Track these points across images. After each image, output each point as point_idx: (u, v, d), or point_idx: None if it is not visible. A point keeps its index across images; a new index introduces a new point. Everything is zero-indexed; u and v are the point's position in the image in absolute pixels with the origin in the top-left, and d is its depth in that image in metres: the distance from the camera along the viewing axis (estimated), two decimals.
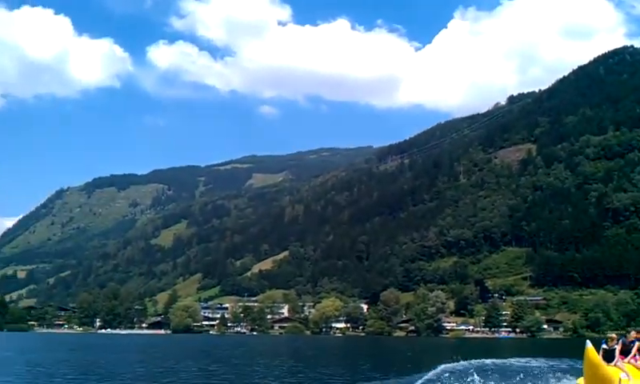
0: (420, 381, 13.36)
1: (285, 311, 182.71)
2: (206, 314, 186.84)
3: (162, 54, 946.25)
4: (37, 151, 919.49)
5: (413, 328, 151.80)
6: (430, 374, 14.57)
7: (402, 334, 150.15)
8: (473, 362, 17.73)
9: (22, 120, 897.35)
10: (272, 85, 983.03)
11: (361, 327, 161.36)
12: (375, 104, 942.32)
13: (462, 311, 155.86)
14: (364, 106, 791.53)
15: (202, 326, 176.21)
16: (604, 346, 16.89)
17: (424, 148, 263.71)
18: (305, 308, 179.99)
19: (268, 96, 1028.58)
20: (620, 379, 15.58)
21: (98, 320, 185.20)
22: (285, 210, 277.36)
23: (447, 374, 16.39)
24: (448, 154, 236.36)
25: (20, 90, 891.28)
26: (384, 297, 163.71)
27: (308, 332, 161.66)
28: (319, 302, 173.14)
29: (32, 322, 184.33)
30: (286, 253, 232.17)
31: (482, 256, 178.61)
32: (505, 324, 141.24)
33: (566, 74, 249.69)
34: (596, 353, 14.88)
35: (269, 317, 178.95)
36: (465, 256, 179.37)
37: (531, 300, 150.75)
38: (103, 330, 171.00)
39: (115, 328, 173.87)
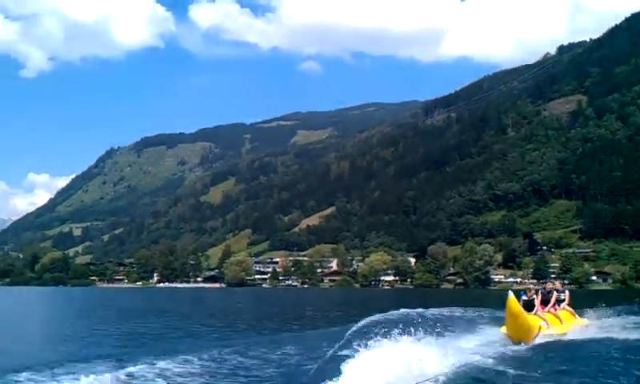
0: (350, 331, 13.41)
1: (334, 265, 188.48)
2: (258, 268, 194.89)
3: (203, 13, 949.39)
4: (86, 112, 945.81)
5: (461, 281, 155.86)
6: (361, 323, 14.58)
7: (449, 286, 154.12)
8: (407, 311, 17.69)
9: (70, 82, 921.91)
10: (313, 41, 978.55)
11: (409, 280, 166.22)
12: (419, 57, 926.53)
13: (509, 264, 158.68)
14: (408, 60, 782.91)
15: (254, 279, 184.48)
16: (524, 296, 18.21)
17: (471, 101, 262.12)
18: (353, 262, 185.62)
19: (310, 52, 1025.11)
20: (540, 326, 16.86)
21: (155, 274, 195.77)
22: (330, 166, 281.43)
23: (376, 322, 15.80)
24: (495, 107, 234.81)
25: (66, 53, 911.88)
26: (432, 250, 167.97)
27: (357, 285, 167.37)
28: (367, 256, 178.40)
29: (93, 278, 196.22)
30: (332, 208, 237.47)
31: (531, 209, 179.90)
32: (553, 276, 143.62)
33: (617, 22, 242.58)
34: (517, 302, 15.76)
35: (318, 270, 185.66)
36: (513, 210, 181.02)
37: (580, 252, 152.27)
38: (161, 284, 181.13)
39: (172, 282, 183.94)
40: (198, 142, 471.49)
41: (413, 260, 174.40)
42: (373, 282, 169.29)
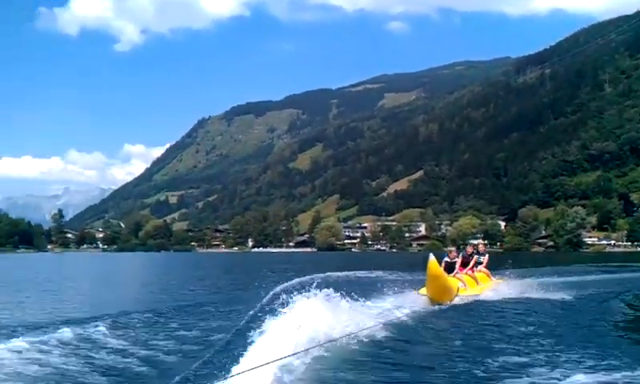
0: (270, 293, 14.09)
1: (422, 229, 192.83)
2: (347, 233, 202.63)
3: None
4: (178, 83, 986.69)
5: (551, 244, 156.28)
6: (282, 286, 15.05)
7: (540, 249, 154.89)
8: (332, 274, 19.41)
9: (162, 54, 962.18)
10: (400, 0, 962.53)
11: (498, 243, 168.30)
12: (510, 12, 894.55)
13: (604, 226, 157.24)
14: (498, 15, 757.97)
15: (344, 244, 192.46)
16: (446, 258, 19.34)
17: (565, 57, 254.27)
18: (442, 226, 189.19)
19: (396, 12, 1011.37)
20: (458, 288, 17.79)
21: (250, 240, 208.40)
22: (418, 129, 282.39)
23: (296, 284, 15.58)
24: (592, 61, 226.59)
25: (157, 25, 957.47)
26: (522, 213, 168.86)
27: (445, 249, 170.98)
28: (456, 220, 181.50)
29: (193, 243, 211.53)
30: (421, 172, 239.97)
31: (628, 169, 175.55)
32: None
33: None
34: (438, 264, 16.57)
35: (407, 235, 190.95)
36: (609, 170, 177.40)
37: None
38: (256, 249, 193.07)
39: (266, 247, 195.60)
40: (285, 109, 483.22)
41: (503, 223, 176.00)
42: (461, 246, 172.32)
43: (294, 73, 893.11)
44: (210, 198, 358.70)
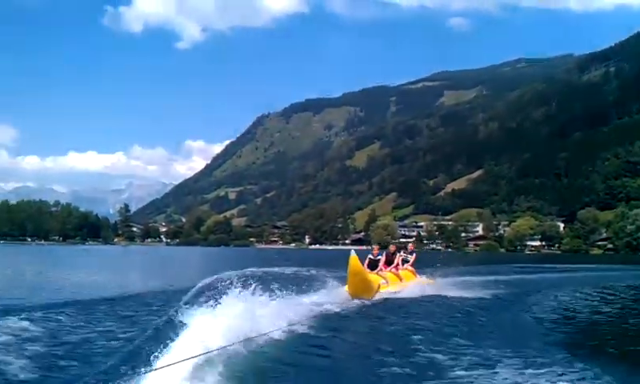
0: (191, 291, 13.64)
1: (479, 229, 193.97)
2: (403, 232, 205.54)
3: None
4: (238, 81, 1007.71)
5: (611, 246, 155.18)
6: (200, 284, 14.58)
7: (599, 251, 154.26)
8: (253, 270, 17.83)
9: (222, 51, 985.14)
10: None
11: (556, 245, 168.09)
12: (574, 7, 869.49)
13: None
14: (562, 11, 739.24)
15: (399, 242, 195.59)
16: (370, 256, 19.87)
17: (631, 54, 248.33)
18: (499, 226, 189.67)
19: (457, 8, 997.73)
20: (379, 285, 18.15)
21: (307, 237, 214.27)
22: (478, 127, 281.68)
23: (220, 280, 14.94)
24: None
25: (217, 23, 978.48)
26: (581, 215, 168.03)
27: (502, 250, 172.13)
28: (514, 221, 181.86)
29: (252, 239, 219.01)
30: (480, 171, 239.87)
31: None
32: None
33: None
34: (359, 261, 16.75)
35: (463, 235, 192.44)
36: None
37: None
38: (312, 246, 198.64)
39: (322, 244, 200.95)
40: (343, 107, 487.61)
41: (562, 225, 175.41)
42: (518, 247, 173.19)
43: (352, 70, 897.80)
44: (268, 195, 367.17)
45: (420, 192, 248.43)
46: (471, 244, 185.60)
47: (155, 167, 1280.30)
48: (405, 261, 21.91)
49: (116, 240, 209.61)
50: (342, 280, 18.34)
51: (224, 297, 10.28)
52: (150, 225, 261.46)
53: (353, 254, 16.39)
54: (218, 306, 9.74)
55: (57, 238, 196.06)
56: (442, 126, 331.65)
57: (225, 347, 8.01)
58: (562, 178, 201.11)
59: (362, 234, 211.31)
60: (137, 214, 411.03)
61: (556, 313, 16.57)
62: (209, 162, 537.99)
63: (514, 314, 15.86)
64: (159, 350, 7.81)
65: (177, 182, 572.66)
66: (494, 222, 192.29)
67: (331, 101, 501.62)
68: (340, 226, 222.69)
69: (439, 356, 9.63)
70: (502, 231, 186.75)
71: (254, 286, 11.36)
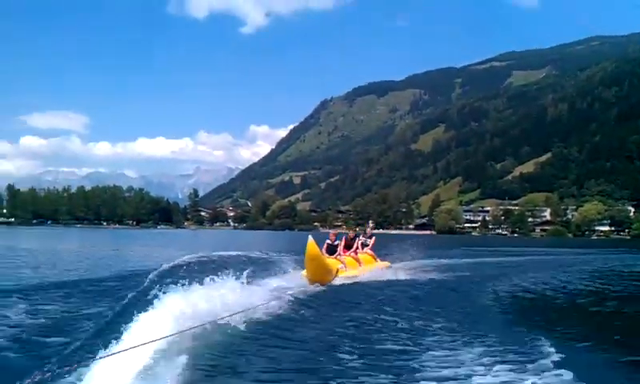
0: (150, 275, 13.83)
1: (547, 214, 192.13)
2: (468, 217, 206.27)
3: None
4: (301, 65, 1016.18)
5: None
6: (163, 267, 15.27)
7: None
8: (218, 253, 19.59)
9: (286, 36, 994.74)
10: None
11: (626, 230, 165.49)
12: None
13: None
14: None
15: (463, 227, 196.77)
16: (328, 240, 19.87)
17: None
18: (567, 211, 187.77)
19: None
20: (337, 269, 18.11)
21: (370, 221, 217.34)
22: (547, 109, 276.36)
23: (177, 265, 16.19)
24: None
25: (280, 8, 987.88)
26: None
27: (570, 235, 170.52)
28: (581, 206, 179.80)
29: (316, 223, 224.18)
30: (548, 155, 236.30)
31: None
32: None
33: None
34: (316, 246, 16.65)
35: (530, 220, 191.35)
36: None
37: None
38: (376, 231, 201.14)
39: (386, 229, 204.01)
40: (407, 89, 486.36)
41: (632, 209, 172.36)
42: (586, 232, 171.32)
43: (416, 51, 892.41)
44: (332, 179, 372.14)
45: (486, 176, 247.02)
46: (538, 229, 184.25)
47: (221, 152, 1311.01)
48: (364, 245, 21.93)
49: (186, 224, 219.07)
50: (298, 264, 18.87)
51: (181, 283, 10.17)
52: (218, 209, 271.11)
53: (310, 239, 16.40)
54: (176, 292, 9.56)
55: (130, 222, 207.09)
56: (509, 108, 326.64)
57: (182, 332, 7.90)
58: (634, 161, 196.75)
59: (427, 218, 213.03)
60: (204, 198, 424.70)
61: (513, 293, 16.97)
62: (273, 146, 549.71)
63: (471, 295, 16.10)
64: (118, 333, 7.82)
65: (242, 167, 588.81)
66: (562, 207, 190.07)
67: (395, 84, 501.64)
68: (404, 210, 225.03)
69: (398, 340, 9.73)
70: (570, 216, 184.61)
71: (213, 271, 11.62)
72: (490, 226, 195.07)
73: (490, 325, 11.22)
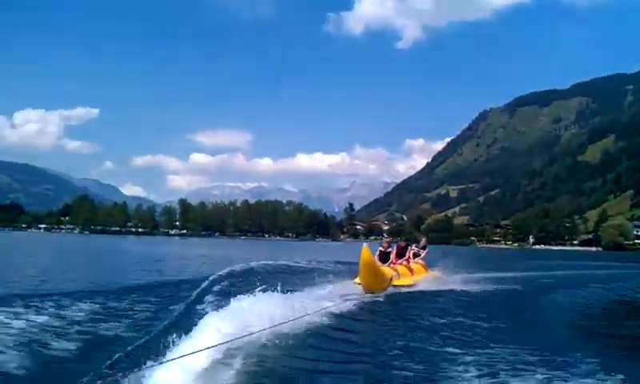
0: (199, 289, 14.25)
1: None
2: (639, 233, 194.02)
3: None
4: (457, 77, 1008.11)
5: None
6: (211, 278, 15.86)
7: None
8: (258, 263, 20.34)
9: (442, 48, 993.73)
10: None
11: None
12: None
13: None
14: None
15: (634, 244, 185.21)
16: (380, 248, 19.84)
17: None
18: None
19: None
20: (392, 277, 18.06)
21: (531, 237, 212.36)
22: None
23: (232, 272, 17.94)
24: None
25: (436, 20, 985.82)
26: None
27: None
28: None
29: (473, 238, 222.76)
30: None
31: None
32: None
33: None
34: (371, 254, 16.62)
35: None
36: None
37: None
38: (537, 246, 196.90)
39: (547, 244, 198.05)
40: (573, 98, 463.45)
41: None
42: None
43: (582, 58, 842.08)
44: (492, 193, 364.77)
45: None
46: None
47: (375, 166, 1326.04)
48: (416, 255, 22.18)
49: (341, 237, 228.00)
50: (349, 272, 19.50)
51: (236, 295, 10.24)
52: (373, 223, 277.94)
53: (365, 246, 16.41)
54: (230, 304, 9.61)
55: (290, 234, 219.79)
56: None
57: (230, 341, 7.77)
58: None
59: (592, 234, 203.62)
60: (360, 211, 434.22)
61: (569, 307, 17.08)
62: (429, 160, 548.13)
63: (531, 308, 16.15)
64: (172, 342, 7.80)
65: (398, 181, 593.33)
66: None
67: (559, 92, 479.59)
68: (567, 225, 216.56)
69: (457, 350, 9.74)
70: None
71: (262, 281, 11.68)
72: None
73: (555, 341, 11.17)
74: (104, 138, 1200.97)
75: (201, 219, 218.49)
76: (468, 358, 9.07)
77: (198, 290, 14.13)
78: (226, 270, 17.71)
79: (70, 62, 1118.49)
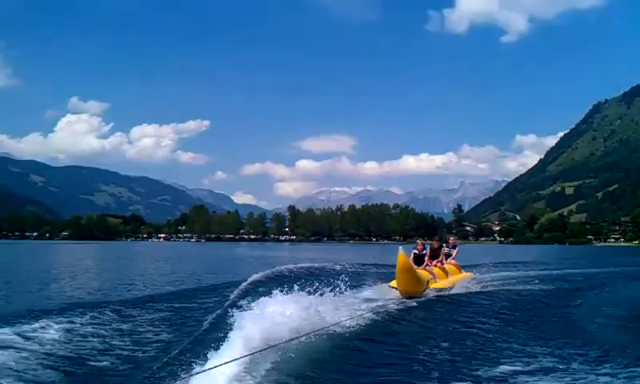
0: (236, 290, 15.18)
1: None
2: None
3: None
4: (568, 68, 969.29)
5: None
6: (248, 281, 16.84)
7: None
8: (291, 266, 21.05)
9: (550, 40, 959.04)
10: None
11: None
12: None
13: None
14: None
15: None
16: (415, 250, 19.53)
17: None
18: None
19: None
20: (428, 280, 18.04)
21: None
22: None
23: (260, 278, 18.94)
24: None
25: (543, 12, 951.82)
26: None
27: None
28: None
29: (589, 237, 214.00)
30: None
31: None
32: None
33: None
34: (407, 257, 16.77)
35: None
36: None
37: None
38: None
39: None
40: None
41: None
42: None
43: None
44: (611, 188, 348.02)
45: None
46: None
47: (485, 165, 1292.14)
48: (447, 255, 21.78)
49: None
50: (384, 276, 19.96)
51: (266, 296, 10.31)
52: (483, 224, 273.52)
53: (400, 250, 16.36)
54: (263, 305, 9.63)
55: (397, 237, 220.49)
56: None
57: (270, 347, 7.97)
58: None
59: None
60: (470, 212, 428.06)
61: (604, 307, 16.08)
62: (542, 156, 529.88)
63: (568, 309, 15.64)
64: (208, 349, 8.19)
65: (509, 179, 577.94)
66: None
67: None
68: None
69: (496, 352, 9.77)
70: None
71: (296, 283, 11.57)
72: None
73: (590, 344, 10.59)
74: (215, 149, 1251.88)
75: (310, 225, 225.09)
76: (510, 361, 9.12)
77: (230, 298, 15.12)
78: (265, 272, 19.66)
79: (181, 79, 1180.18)
